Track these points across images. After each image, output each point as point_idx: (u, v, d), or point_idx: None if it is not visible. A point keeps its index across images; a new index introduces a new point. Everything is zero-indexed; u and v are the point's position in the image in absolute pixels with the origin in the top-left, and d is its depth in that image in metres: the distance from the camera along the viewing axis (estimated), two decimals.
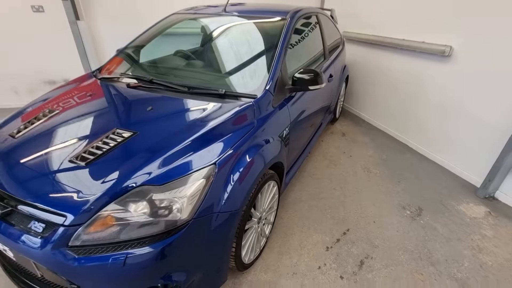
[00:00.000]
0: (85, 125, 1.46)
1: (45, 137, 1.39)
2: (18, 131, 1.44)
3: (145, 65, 2.16)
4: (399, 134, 3.50)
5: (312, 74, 1.78)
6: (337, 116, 3.90)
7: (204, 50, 2.20)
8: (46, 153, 1.29)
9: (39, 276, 1.17)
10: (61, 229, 1.05)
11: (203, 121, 1.41)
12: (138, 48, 2.30)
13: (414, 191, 2.52)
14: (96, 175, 1.15)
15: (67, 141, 1.34)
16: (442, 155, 2.95)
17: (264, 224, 1.76)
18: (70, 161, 1.21)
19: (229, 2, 2.39)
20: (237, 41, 2.10)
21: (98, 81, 1.93)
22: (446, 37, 2.74)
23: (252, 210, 1.53)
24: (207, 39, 2.22)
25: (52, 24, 3.81)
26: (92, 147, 1.26)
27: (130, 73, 2.01)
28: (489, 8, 2.36)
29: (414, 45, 3.05)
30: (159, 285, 1.14)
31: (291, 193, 2.42)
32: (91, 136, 1.35)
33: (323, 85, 1.83)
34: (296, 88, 1.85)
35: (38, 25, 3.77)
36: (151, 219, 1.08)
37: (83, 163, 1.18)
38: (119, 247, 1.06)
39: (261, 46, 1.97)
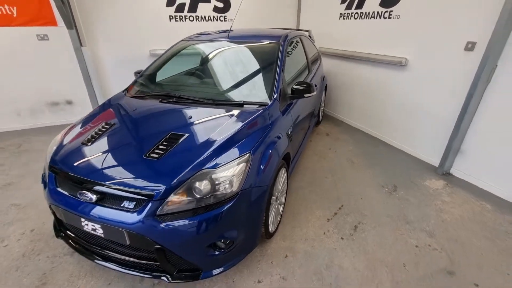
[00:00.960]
0: (145, 131, 1.90)
1: (118, 142, 1.81)
2: (89, 141, 1.82)
3: (169, 83, 2.61)
4: (372, 130, 4.18)
5: (306, 85, 2.33)
6: (320, 119, 4.52)
7: (216, 69, 2.68)
8: (125, 153, 1.71)
9: (127, 244, 1.54)
10: (150, 203, 1.46)
11: (233, 123, 1.89)
12: (157, 69, 2.74)
13: (389, 173, 3.12)
14: (168, 165, 1.58)
15: (136, 143, 1.77)
16: (408, 145, 3.63)
17: (279, 204, 2.23)
18: (145, 156, 1.63)
19: (231, 28, 2.91)
20: (243, 60, 2.62)
21: (133, 99, 2.34)
22: (402, 51, 3.46)
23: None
24: (218, 60, 2.71)
25: (55, 50, 4.11)
26: (158, 146, 1.68)
27: (159, 91, 2.45)
28: (430, 29, 3.10)
29: (377, 57, 3.76)
30: (220, 240, 1.57)
31: (293, 182, 2.92)
32: (154, 138, 1.77)
33: (315, 93, 2.38)
34: (294, 96, 2.38)
35: (43, 52, 4.05)
36: (212, 192, 1.52)
37: (156, 157, 1.61)
38: (192, 213, 1.49)
39: (264, 64, 2.50)
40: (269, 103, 2.13)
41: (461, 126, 2.87)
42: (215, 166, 1.58)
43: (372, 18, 3.87)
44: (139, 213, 1.46)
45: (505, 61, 2.52)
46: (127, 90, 2.58)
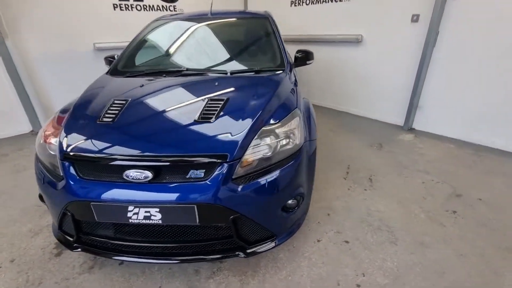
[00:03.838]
0: (174, 102, 1.65)
1: (150, 115, 1.54)
2: (108, 118, 1.48)
3: (167, 59, 2.33)
4: (340, 106, 4.56)
5: (305, 53, 2.40)
6: None
7: (218, 43, 2.50)
8: (170, 122, 1.47)
9: (196, 223, 1.30)
10: (225, 166, 1.28)
11: (266, 85, 1.81)
12: (139, 48, 2.40)
13: (368, 136, 3.47)
14: (228, 125, 1.41)
15: (173, 113, 1.52)
16: (373, 112, 4.10)
17: None
18: (197, 120, 1.42)
19: (211, 7, 2.77)
20: (241, 33, 2.53)
21: (130, 78, 2.01)
22: (357, 29, 3.90)
23: None
24: (217, 34, 2.52)
25: None
26: (204, 111, 1.48)
27: (160, 67, 2.19)
28: (378, 7, 3.58)
29: (335, 37, 4.14)
30: (292, 199, 1.49)
31: None
32: (192, 106, 1.56)
33: (313, 60, 2.48)
34: (297, 64, 2.43)
35: None
36: (279, 148, 1.43)
37: (210, 120, 1.42)
38: (266, 172, 1.37)
39: (263, 36, 2.47)
40: (285, 68, 2.12)
41: (418, 87, 3.42)
42: (276, 120, 1.49)
43: (324, 3, 4.24)
44: (213, 180, 1.27)
45: (444, 27, 3.12)
46: (111, 73, 2.18)
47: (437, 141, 3.25)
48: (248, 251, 1.42)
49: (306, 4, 4.50)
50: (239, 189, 1.30)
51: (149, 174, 1.25)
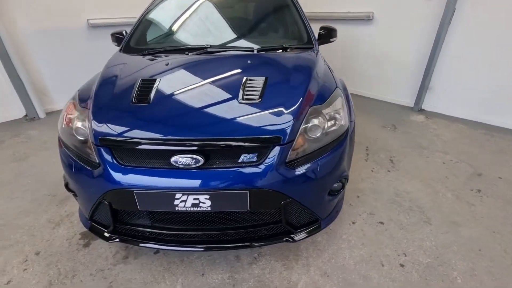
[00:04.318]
0: (215, 78, 1.53)
1: (187, 95, 1.43)
2: (142, 99, 1.36)
3: (190, 35, 2.16)
4: (353, 89, 4.49)
5: (329, 30, 2.29)
6: None
7: (241, 19, 2.33)
8: (212, 103, 1.36)
9: (247, 209, 1.24)
10: (279, 149, 1.21)
11: (303, 63, 1.71)
12: (156, 23, 2.21)
13: (380, 117, 3.45)
14: (276, 106, 1.32)
15: (212, 92, 1.41)
16: (384, 93, 4.06)
17: None
18: (243, 101, 1.32)
19: None
20: (262, 10, 2.37)
21: (150, 56, 1.85)
22: (367, 6, 3.77)
23: None
24: (237, 10, 2.35)
25: None
26: (246, 91, 1.38)
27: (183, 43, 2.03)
28: None
29: (345, 15, 4.00)
30: (338, 181, 1.44)
31: None
32: (230, 85, 1.45)
33: (336, 38, 2.37)
34: (321, 42, 2.31)
35: None
36: (328, 128, 1.36)
37: (256, 101, 1.32)
38: (318, 154, 1.31)
39: (285, 12, 2.32)
40: (314, 45, 2.01)
41: (431, 68, 3.38)
42: (321, 101, 1.41)
43: None
44: (267, 164, 1.20)
45: (461, 4, 3.05)
46: (125, 50, 2.01)
47: (449, 122, 3.27)
48: (296, 237, 1.38)
49: None
50: (292, 172, 1.23)
51: (200, 159, 1.16)
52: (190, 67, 1.69)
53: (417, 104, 3.63)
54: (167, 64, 1.70)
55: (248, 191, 1.20)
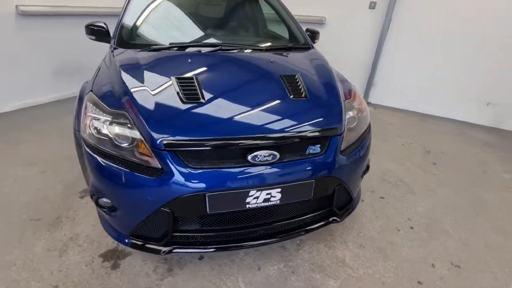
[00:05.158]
0: (246, 78, 1.56)
1: (235, 92, 1.44)
2: (192, 98, 1.28)
3: (190, 32, 2.06)
4: None
5: (312, 33, 2.52)
6: None
7: (237, 19, 2.31)
8: (266, 100, 1.39)
9: (311, 197, 1.33)
10: (337, 139, 1.34)
11: (318, 62, 1.88)
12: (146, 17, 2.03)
13: None
14: (322, 101, 1.45)
15: (258, 90, 1.45)
16: None
17: None
18: (293, 98, 1.39)
19: None
20: (252, 11, 2.42)
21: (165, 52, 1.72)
22: (321, 11, 4.20)
23: None
24: (229, 10, 2.32)
25: None
26: (289, 88, 1.46)
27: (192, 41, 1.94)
28: None
29: (300, 17, 4.33)
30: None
31: None
32: (271, 82, 1.51)
33: (318, 40, 2.62)
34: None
35: None
36: (359, 118, 1.56)
37: (305, 96, 1.42)
38: (357, 141, 1.50)
39: (276, 14, 2.44)
40: (310, 46, 2.20)
41: (376, 67, 4.02)
42: (348, 97, 1.60)
43: None
44: (329, 154, 1.32)
45: (396, 15, 3.72)
46: (121, 45, 1.80)
47: (392, 112, 3.97)
48: (340, 218, 1.54)
49: None
50: (345, 159, 1.39)
51: (277, 154, 1.20)
52: (216, 65, 1.66)
53: (365, 98, 4.26)
54: (189, 61, 1.62)
55: (314, 180, 1.30)
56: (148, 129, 1.16)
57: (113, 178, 1.19)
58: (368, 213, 1.96)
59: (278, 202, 1.28)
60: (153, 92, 1.32)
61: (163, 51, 1.73)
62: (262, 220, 1.40)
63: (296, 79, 1.55)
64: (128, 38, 1.87)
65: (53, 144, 2.55)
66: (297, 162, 1.27)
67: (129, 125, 1.21)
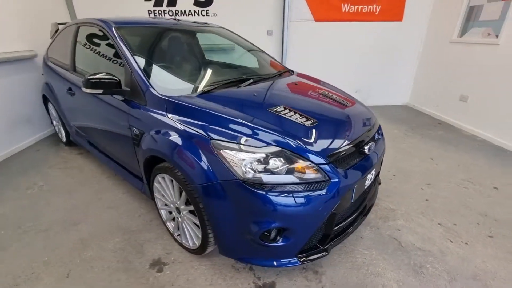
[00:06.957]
0: (303, 99, 1.99)
1: (318, 109, 1.83)
2: (310, 120, 1.59)
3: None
4: None
5: None
6: None
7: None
8: (338, 111, 1.86)
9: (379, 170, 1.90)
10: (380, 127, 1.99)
11: (314, 81, 2.45)
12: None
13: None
14: (354, 106, 2.04)
15: (323, 105, 1.90)
16: None
17: None
18: (349, 106, 1.93)
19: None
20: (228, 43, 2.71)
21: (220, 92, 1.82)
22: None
23: None
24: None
25: None
26: (336, 100, 1.97)
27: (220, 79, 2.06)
28: (243, 22, 4.70)
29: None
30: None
31: None
32: (319, 97, 1.98)
33: None
34: None
35: None
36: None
37: (349, 106, 1.98)
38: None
39: (240, 44, 2.83)
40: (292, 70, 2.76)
41: None
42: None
43: (190, 15, 4.64)
44: (383, 138, 1.96)
45: (287, 40, 4.85)
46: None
47: None
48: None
49: (169, 15, 4.62)
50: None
51: (374, 144, 1.69)
52: (275, 93, 1.95)
53: None
54: (254, 95, 1.81)
55: (381, 161, 1.89)
56: (305, 147, 1.40)
57: (294, 205, 1.31)
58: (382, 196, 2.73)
59: (371, 180, 1.77)
60: (272, 123, 1.51)
61: (212, 92, 1.79)
62: (364, 200, 1.85)
63: (328, 94, 2.07)
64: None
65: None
66: (377, 147, 1.80)
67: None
